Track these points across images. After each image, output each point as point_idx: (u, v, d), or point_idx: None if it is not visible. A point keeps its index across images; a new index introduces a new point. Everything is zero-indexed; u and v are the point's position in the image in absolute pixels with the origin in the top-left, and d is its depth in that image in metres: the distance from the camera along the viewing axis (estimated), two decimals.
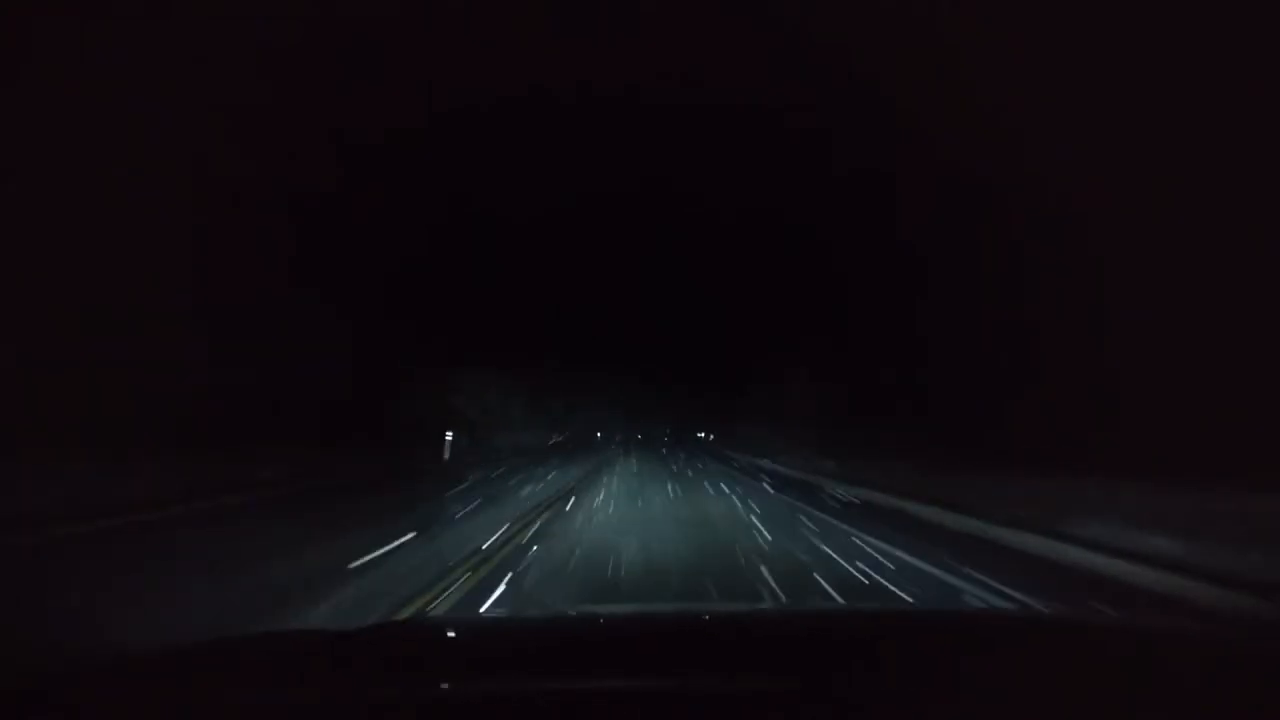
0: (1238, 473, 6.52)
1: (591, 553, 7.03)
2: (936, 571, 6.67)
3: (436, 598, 5.10)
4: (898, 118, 13.09)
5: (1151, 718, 1.08)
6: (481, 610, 4.85)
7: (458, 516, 9.61)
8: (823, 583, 5.94)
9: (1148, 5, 8.23)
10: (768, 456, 28.13)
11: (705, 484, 17.16)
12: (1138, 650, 1.46)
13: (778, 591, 5.53)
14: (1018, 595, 5.71)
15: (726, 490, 15.52)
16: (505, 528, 8.56)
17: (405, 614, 4.66)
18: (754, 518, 10.47)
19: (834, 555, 7.32)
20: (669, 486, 16.18)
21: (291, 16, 11.90)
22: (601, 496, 13.46)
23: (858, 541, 8.30)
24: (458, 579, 5.69)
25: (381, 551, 6.63)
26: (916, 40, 11.55)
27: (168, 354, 11.78)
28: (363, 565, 6.08)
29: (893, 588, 5.87)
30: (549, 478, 17.55)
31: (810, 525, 9.88)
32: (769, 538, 8.41)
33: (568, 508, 11.34)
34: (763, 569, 6.38)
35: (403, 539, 7.31)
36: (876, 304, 17.57)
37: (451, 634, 1.82)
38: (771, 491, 15.59)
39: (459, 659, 1.44)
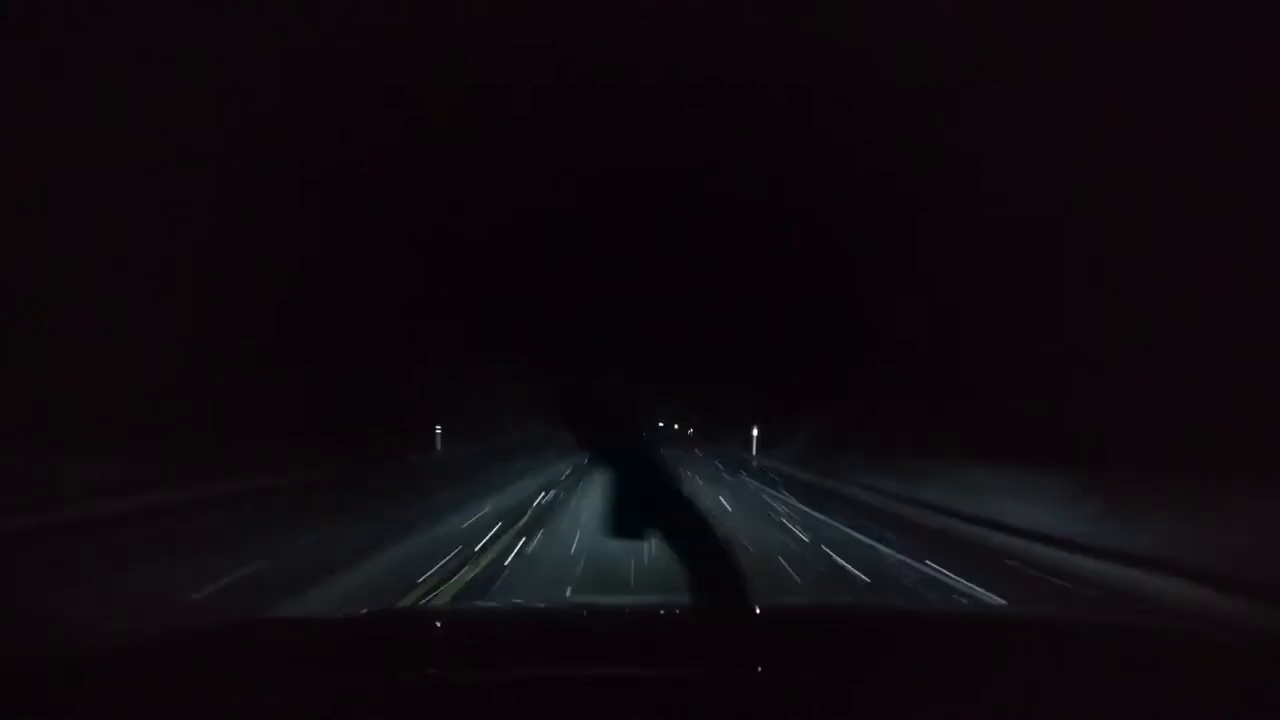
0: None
1: None
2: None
3: None
4: (917, 117, 13.01)
5: (1145, 716, 1.08)
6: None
7: None
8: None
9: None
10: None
11: None
12: (1134, 650, 1.46)
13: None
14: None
15: None
16: None
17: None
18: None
19: None
20: None
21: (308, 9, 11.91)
22: None
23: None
24: None
25: None
26: (934, 38, 11.48)
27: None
28: None
29: None
30: None
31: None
32: None
33: None
34: None
35: None
36: (877, 307, 17.54)
37: (441, 623, 1.83)
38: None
39: (447, 647, 1.45)
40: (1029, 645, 1.48)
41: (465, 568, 6.45)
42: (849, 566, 7.18)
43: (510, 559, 7.05)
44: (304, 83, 13.05)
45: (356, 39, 13.38)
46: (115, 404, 10.59)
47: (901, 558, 7.75)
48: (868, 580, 6.58)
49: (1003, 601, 5.79)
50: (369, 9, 13.28)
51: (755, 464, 22.96)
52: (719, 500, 12.95)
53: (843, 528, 10.02)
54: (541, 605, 2.93)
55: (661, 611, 1.95)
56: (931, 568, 7.12)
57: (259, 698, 1.09)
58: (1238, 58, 7.18)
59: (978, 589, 6.17)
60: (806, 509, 12.00)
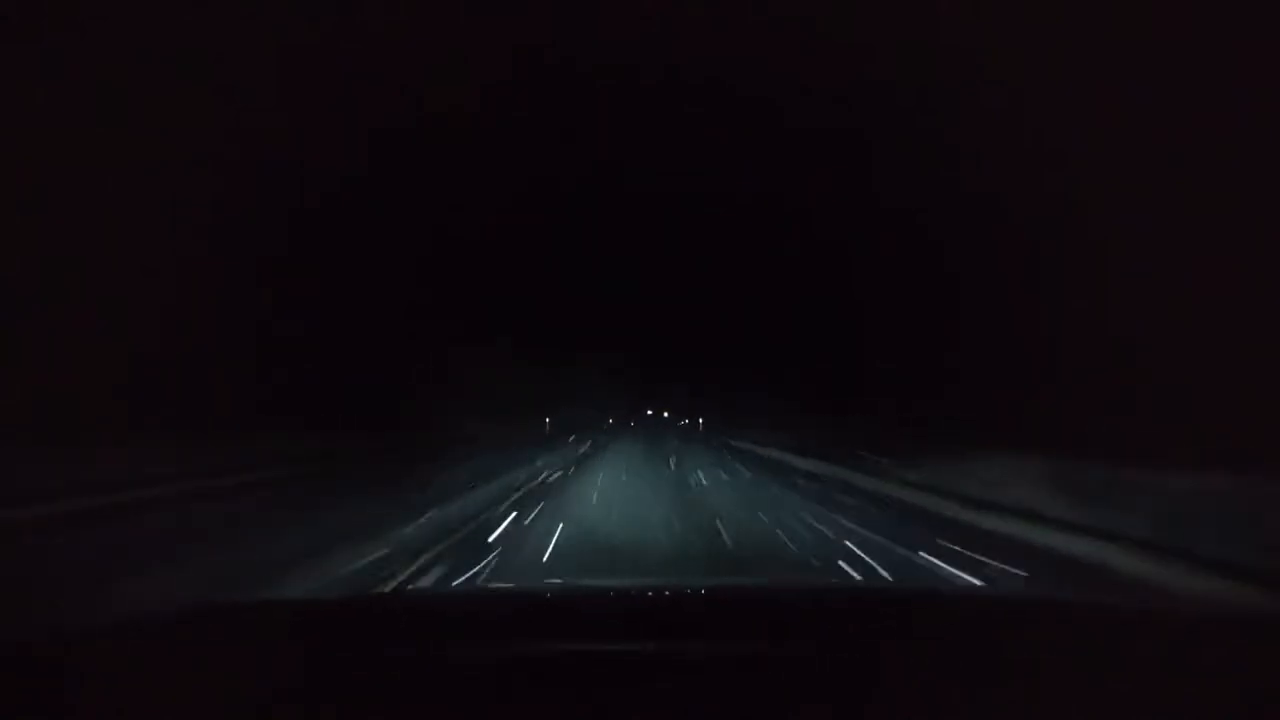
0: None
1: None
2: None
3: None
4: (917, 117, 13.03)
5: (1125, 697, 1.08)
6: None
7: None
8: None
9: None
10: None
11: None
12: (1119, 631, 1.47)
13: None
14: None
15: None
16: None
17: None
18: None
19: None
20: None
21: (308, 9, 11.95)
22: None
23: None
24: None
25: None
26: (934, 38, 11.50)
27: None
28: None
29: None
30: None
31: None
32: None
33: None
34: None
35: None
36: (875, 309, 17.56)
37: (434, 605, 1.84)
38: None
39: (439, 628, 1.46)
40: (1035, 629, 1.48)
41: None
42: None
43: None
44: (304, 83, 13.07)
45: (356, 39, 13.39)
46: (115, 403, 10.60)
47: None
48: None
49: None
50: (369, 9, 13.29)
51: None
52: None
53: None
54: (535, 586, 2.95)
55: (650, 593, 1.95)
56: None
57: (253, 678, 1.10)
58: (1238, 58, 7.19)
59: None
60: None
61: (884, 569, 5.96)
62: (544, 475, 13.51)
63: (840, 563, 6.19)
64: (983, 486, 9.52)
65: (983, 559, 6.27)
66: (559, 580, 4.00)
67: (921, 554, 6.53)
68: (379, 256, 20.23)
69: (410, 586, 4.85)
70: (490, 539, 6.86)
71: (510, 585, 3.63)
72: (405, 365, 23.20)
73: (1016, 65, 9.72)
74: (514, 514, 8.39)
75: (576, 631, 1.41)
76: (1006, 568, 6.06)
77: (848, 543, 6.96)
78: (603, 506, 9.46)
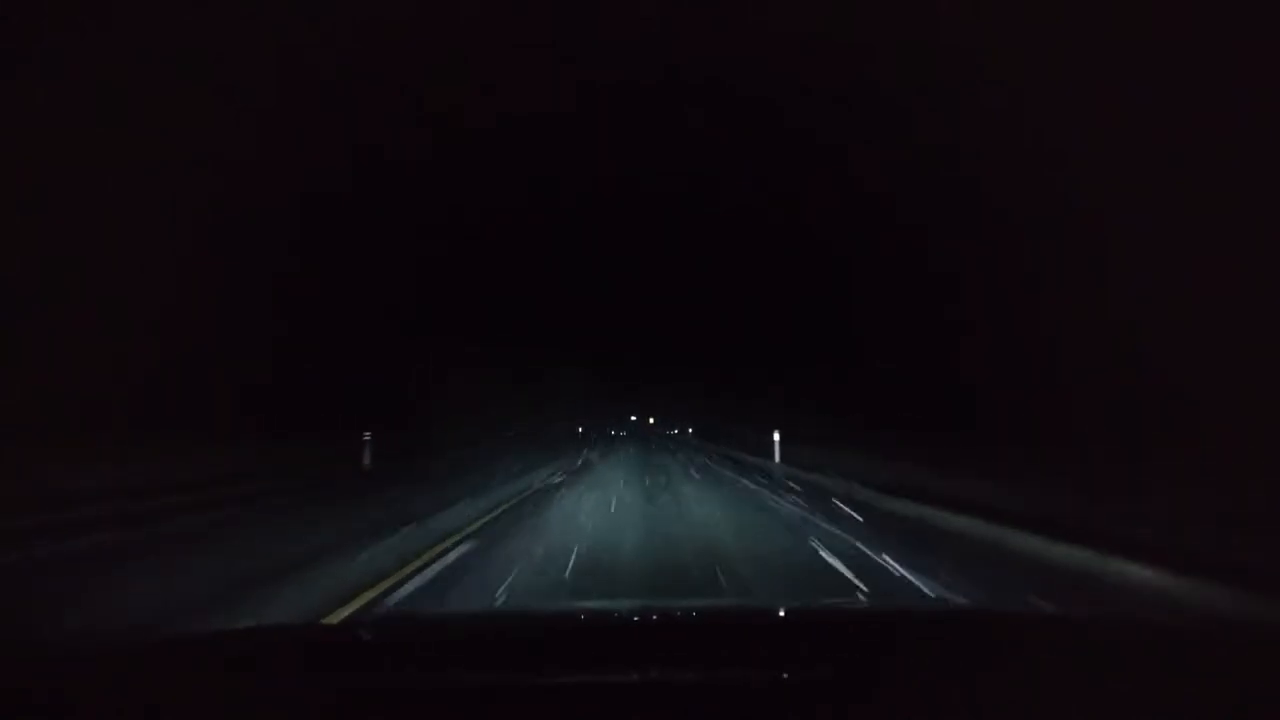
0: None
1: None
2: None
3: None
4: (917, 117, 13.03)
5: (1125, 710, 1.08)
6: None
7: None
8: None
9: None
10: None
11: None
12: (1134, 647, 1.46)
13: None
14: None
15: None
16: None
17: None
18: None
19: None
20: None
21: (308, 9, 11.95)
22: None
23: None
24: None
25: None
26: (934, 38, 11.50)
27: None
28: None
29: None
30: None
31: None
32: None
33: None
34: None
35: None
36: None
37: (438, 629, 1.84)
38: None
39: (444, 653, 1.45)
40: (1027, 644, 1.47)
41: None
42: None
43: None
44: (304, 83, 13.07)
45: (357, 39, 13.39)
46: (116, 404, 10.59)
47: None
48: None
49: None
50: (369, 9, 13.29)
51: None
52: None
53: None
54: (541, 609, 2.94)
55: (636, 617, 1.94)
56: None
57: (259, 704, 1.10)
58: (1238, 58, 7.19)
59: None
60: None
61: None
62: None
63: None
64: None
65: None
66: (567, 604, 3.95)
67: None
68: (378, 259, 20.22)
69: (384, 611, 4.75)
70: None
71: (492, 610, 3.58)
72: (405, 369, 23.20)
73: (1016, 65, 9.72)
74: None
75: (581, 657, 1.39)
76: None
77: None
78: None
